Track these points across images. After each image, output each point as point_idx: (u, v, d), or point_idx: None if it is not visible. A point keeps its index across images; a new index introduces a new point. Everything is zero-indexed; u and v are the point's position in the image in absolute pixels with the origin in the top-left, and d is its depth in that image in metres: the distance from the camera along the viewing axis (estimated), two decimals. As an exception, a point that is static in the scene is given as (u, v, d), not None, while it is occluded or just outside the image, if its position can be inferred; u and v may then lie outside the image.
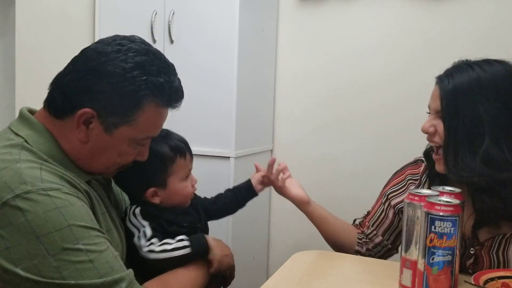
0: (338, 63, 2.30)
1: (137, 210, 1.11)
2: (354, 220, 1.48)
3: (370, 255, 1.38)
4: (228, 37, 2.03)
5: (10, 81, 2.67)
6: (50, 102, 0.97)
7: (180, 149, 1.15)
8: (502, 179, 1.07)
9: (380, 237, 1.38)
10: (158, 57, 0.99)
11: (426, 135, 1.21)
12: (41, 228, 0.81)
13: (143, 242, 1.08)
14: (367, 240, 1.40)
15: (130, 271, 0.91)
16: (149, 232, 1.09)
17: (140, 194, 1.13)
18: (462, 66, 1.16)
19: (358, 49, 2.26)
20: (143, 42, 1.00)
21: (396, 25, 2.19)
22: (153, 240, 1.08)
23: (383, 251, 1.40)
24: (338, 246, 1.41)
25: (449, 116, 1.14)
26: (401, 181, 1.36)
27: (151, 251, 1.07)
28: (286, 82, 2.41)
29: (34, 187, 0.84)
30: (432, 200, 0.98)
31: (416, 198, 1.02)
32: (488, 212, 1.12)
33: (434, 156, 1.21)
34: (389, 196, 1.36)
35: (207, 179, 2.09)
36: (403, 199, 1.29)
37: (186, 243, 1.08)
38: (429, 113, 1.21)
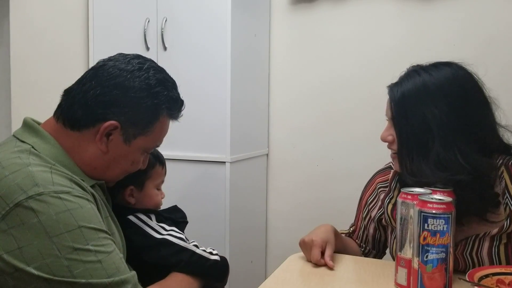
0: (331, 66, 2.32)
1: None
2: (348, 234, 1.45)
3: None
4: (221, 42, 2.05)
5: (6, 92, 2.68)
6: (68, 115, 1.01)
7: (160, 157, 1.24)
8: (458, 181, 1.07)
9: (374, 251, 1.40)
10: (167, 73, 1.09)
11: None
12: (53, 229, 0.84)
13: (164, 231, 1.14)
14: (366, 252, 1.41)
15: (134, 273, 0.94)
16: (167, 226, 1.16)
17: (118, 192, 1.17)
18: (410, 73, 1.17)
19: (351, 51, 2.28)
20: (152, 60, 1.09)
21: (389, 27, 2.21)
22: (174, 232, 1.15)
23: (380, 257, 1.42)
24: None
25: (399, 123, 1.15)
26: (373, 191, 1.37)
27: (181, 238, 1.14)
28: (280, 86, 2.43)
29: (46, 189, 0.87)
30: (424, 198, 0.99)
31: (409, 196, 1.03)
32: None
33: (391, 155, 1.22)
34: (370, 208, 1.37)
35: (203, 184, 2.11)
36: (379, 208, 1.32)
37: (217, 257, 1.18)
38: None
